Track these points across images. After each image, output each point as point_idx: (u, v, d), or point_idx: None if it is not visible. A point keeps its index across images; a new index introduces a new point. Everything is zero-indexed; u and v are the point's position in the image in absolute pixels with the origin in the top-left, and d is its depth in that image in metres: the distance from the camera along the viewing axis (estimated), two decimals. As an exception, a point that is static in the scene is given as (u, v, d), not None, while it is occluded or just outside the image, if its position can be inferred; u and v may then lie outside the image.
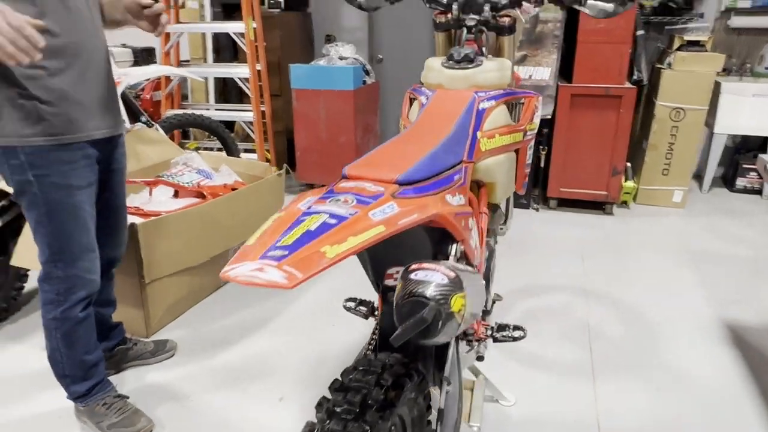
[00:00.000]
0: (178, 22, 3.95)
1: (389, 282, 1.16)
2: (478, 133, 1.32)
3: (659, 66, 3.61)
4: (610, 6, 1.43)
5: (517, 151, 1.63)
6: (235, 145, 3.64)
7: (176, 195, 2.71)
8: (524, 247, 3.11)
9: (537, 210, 3.69)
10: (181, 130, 4.00)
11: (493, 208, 1.57)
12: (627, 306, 2.46)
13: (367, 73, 3.93)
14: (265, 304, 2.50)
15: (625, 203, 3.72)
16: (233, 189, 2.77)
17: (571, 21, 3.36)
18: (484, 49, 1.58)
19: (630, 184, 3.63)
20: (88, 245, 1.46)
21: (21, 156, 1.32)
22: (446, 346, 1.19)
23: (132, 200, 2.58)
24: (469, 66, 1.43)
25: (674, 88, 3.50)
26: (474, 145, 1.28)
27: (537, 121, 1.67)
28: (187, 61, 4.44)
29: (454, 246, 0.95)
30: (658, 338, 2.21)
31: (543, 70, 3.44)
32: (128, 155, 2.84)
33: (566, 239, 3.20)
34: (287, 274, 0.52)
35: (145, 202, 2.62)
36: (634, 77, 3.72)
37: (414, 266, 0.78)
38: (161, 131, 3.15)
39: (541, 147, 3.62)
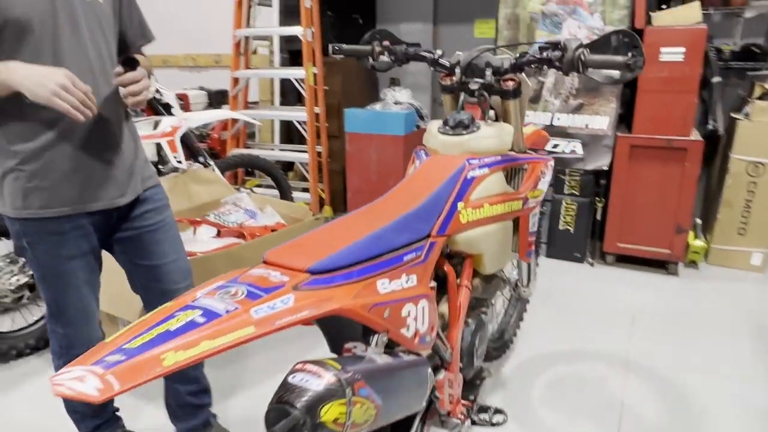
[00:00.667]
0: (247, 67, 4.21)
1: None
2: (460, 204, 1.28)
3: (735, 116, 3.31)
4: (616, 73, 1.34)
5: (517, 219, 1.55)
6: (288, 185, 3.77)
7: (219, 234, 2.85)
8: (569, 304, 2.92)
9: (592, 265, 3.47)
10: (244, 168, 4.22)
11: (488, 278, 1.49)
12: (670, 386, 2.21)
13: (422, 117, 3.94)
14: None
15: (693, 263, 3.40)
16: (273, 230, 2.86)
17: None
18: (492, 112, 1.54)
19: (699, 243, 3.31)
20: (83, 310, 1.47)
21: (16, 224, 1.37)
22: (408, 425, 1.14)
23: (176, 238, 2.74)
24: (464, 132, 1.40)
25: (752, 140, 3.19)
26: (451, 218, 1.24)
27: (543, 187, 1.59)
28: (256, 102, 4.71)
29: (375, 337, 0.91)
30: (699, 430, 1.96)
31: (601, 120, 3.28)
32: (181, 194, 3.06)
33: (618, 300, 2.97)
34: (105, 385, 0.53)
35: (189, 240, 2.77)
36: (709, 127, 3.44)
37: (297, 366, 0.75)
38: (217, 171, 3.34)
39: (597, 198, 3.42)
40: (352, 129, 3.82)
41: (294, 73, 3.92)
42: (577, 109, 3.34)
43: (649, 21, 3.05)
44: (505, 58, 1.47)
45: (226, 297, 0.70)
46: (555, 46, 1.37)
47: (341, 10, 4.55)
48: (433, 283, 1.23)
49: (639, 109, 3.13)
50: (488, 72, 1.46)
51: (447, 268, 1.26)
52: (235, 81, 4.15)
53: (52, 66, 1.22)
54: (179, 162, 3.08)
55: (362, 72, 4.75)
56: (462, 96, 1.49)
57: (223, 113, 3.66)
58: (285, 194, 3.73)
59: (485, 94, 1.48)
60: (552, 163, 1.64)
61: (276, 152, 4.31)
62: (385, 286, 0.91)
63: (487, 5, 3.44)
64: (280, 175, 3.74)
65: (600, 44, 1.35)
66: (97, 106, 1.35)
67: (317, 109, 4.00)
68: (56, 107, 1.16)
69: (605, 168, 3.31)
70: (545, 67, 1.40)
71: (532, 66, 1.43)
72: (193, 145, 3.33)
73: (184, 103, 4.29)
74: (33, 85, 1.15)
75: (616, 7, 3.11)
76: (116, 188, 1.43)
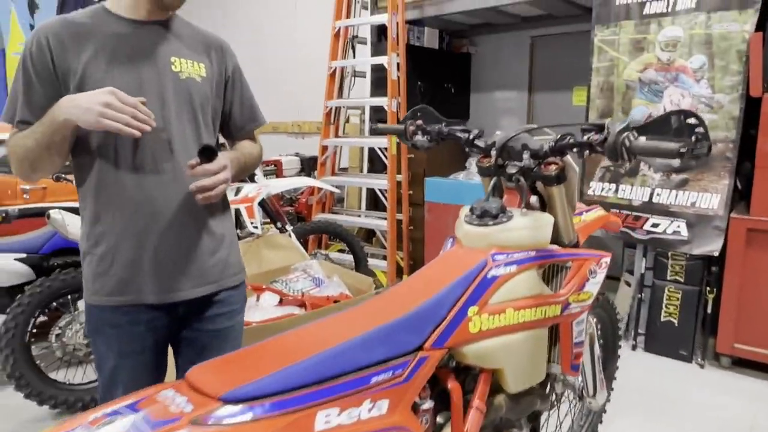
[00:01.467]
0: (336, 135, 4.34)
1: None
2: (472, 309, 1.10)
3: None
4: (675, 161, 1.11)
5: (555, 326, 1.31)
6: (363, 252, 3.73)
7: (281, 302, 2.84)
8: (669, 411, 2.46)
9: (702, 366, 2.94)
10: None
11: (516, 397, 1.25)
12: None
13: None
14: None
15: (839, 376, 2.74)
16: (335, 301, 2.79)
17: (747, 140, 2.77)
18: (533, 199, 1.35)
19: None
20: None
21: (87, 308, 1.32)
22: None
23: (240, 304, 2.78)
24: (490, 222, 1.23)
25: None
26: (456, 327, 1.06)
27: (592, 289, 1.34)
28: (345, 169, 4.82)
29: None
30: None
31: (710, 198, 2.85)
32: (253, 258, 3.13)
33: (732, 412, 2.45)
34: None
35: (251, 306, 2.79)
36: None
37: None
38: (292, 237, 3.40)
39: (707, 288, 2.93)
40: (433, 198, 3.72)
41: (378, 142, 3.95)
42: (682, 185, 2.95)
43: (767, 88, 2.65)
44: (545, 140, 1.30)
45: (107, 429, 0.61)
46: (599, 128, 1.18)
47: (433, 79, 4.58)
48: (429, 404, 1.04)
49: (757, 188, 2.68)
50: (526, 155, 1.29)
51: (452, 384, 1.07)
52: (324, 149, 4.28)
53: (133, 142, 1.20)
54: (255, 227, 3.17)
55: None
56: (492, 180, 1.33)
57: (302, 180, 3.76)
58: (360, 262, 3.68)
59: (521, 179, 1.31)
60: (607, 260, 1.39)
61: (361, 219, 4.33)
62: (329, 419, 0.76)
63: (586, 72, 3.24)
64: (356, 242, 3.71)
65: (656, 126, 1.13)
66: (171, 187, 1.25)
67: (399, 177, 3.97)
68: (107, 128, 1.09)
69: (716, 254, 2.84)
70: (587, 152, 1.20)
71: (573, 150, 1.24)
72: (272, 210, 3.43)
73: (278, 169, 4.50)
74: (81, 112, 1.09)
75: (727, 73, 2.76)
76: (188, 280, 1.30)
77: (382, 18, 3.90)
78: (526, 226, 1.24)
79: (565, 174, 1.31)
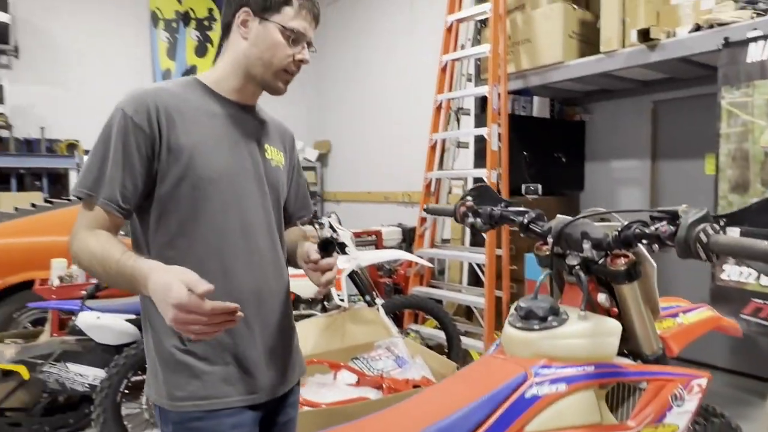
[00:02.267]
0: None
1: None
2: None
3: None
4: None
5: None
6: (456, 331, 3.49)
7: (357, 382, 2.71)
8: None
9: None
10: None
11: None
12: None
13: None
14: None
15: None
16: (415, 386, 2.60)
17: None
18: (601, 298, 1.13)
19: None
20: None
21: (169, 425, 1.14)
22: None
23: (316, 378, 2.70)
24: (536, 326, 1.03)
25: None
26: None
27: (677, 421, 1.04)
28: (447, 240, 4.68)
29: None
30: None
31: None
32: (336, 333, 3.06)
33: None
34: None
35: (327, 384, 2.69)
36: None
37: None
38: (381, 312, 3.29)
39: None
40: (532, 276, 3.41)
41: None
42: None
43: None
44: (611, 228, 1.07)
45: None
46: (672, 216, 0.94)
47: (541, 149, 4.36)
48: None
49: None
50: (586, 245, 1.07)
51: None
52: (423, 220, 4.20)
53: (240, 220, 1.15)
54: (341, 300, 3.13)
55: (564, 212, 4.36)
56: (543, 273, 1.13)
57: (393, 253, 3.68)
58: (452, 341, 3.45)
59: (582, 274, 1.08)
60: (702, 382, 1.08)
61: (460, 294, 4.12)
62: None
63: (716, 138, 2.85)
64: (448, 320, 3.50)
65: (750, 214, 0.88)
66: (272, 278, 1.22)
67: (499, 252, 3.73)
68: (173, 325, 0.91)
69: None
70: (657, 246, 0.96)
71: (641, 242, 1.00)
72: (362, 282, 3.38)
73: (377, 240, 4.50)
74: (158, 303, 0.93)
75: None
76: (280, 374, 1.24)
77: (482, 90, 3.83)
78: (583, 334, 1.01)
79: (639, 270, 1.07)
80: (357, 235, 4.56)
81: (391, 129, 6.47)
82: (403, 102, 6.24)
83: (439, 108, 4.15)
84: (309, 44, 1.22)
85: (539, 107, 4.68)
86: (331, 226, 3.33)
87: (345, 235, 3.38)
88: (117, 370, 2.56)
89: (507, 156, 3.79)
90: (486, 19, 3.88)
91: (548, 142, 4.46)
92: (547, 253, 1.18)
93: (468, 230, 4.52)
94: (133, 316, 3.02)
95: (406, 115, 6.16)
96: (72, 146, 6.55)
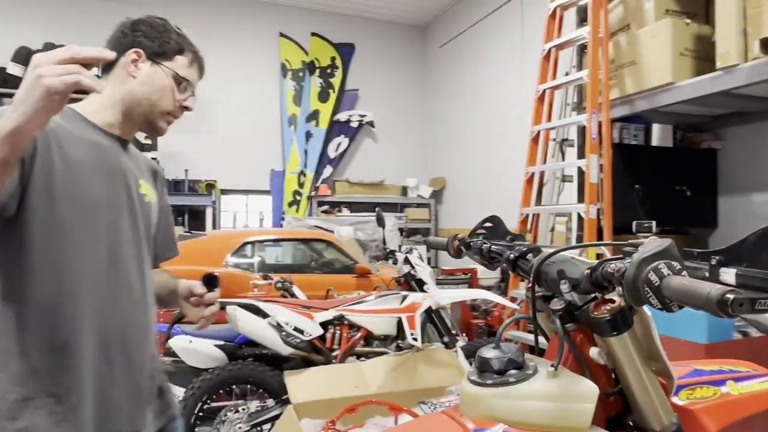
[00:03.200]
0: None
1: None
2: None
3: None
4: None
5: None
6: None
7: (419, 428, 2.54)
8: None
9: None
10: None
11: None
12: None
13: (748, 321, 2.76)
14: None
15: None
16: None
17: None
18: (594, 353, 0.94)
19: None
20: None
21: None
22: None
23: (375, 420, 2.59)
24: (489, 381, 0.87)
25: None
26: None
27: None
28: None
29: None
30: None
31: None
32: (406, 373, 2.94)
33: None
34: None
35: (384, 426, 2.57)
36: None
37: None
38: (459, 355, 3.10)
39: None
40: (637, 326, 2.97)
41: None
42: None
43: None
44: (589, 265, 0.87)
45: None
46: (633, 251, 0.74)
47: (658, 181, 3.86)
48: None
49: None
50: (564, 286, 0.89)
51: None
52: (517, 258, 3.93)
53: (111, 252, 1.14)
54: (414, 339, 3.01)
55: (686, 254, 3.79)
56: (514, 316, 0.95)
57: (474, 293, 3.46)
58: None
59: (557, 321, 0.89)
60: None
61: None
62: None
63: None
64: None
65: (747, 250, 0.66)
66: (139, 313, 1.20)
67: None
68: (61, 88, 0.81)
69: None
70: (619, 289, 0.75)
71: (606, 285, 0.79)
72: (440, 322, 3.23)
73: (472, 278, 4.30)
74: (25, 98, 0.81)
75: None
76: (142, 415, 1.19)
77: (581, 118, 3.54)
78: (548, 395, 0.83)
79: (628, 318, 0.86)
80: (450, 272, 4.41)
81: (501, 163, 6.26)
82: (513, 135, 6.02)
83: (536, 139, 3.91)
84: (192, 92, 1.28)
85: (660, 135, 4.19)
86: (408, 262, 3.26)
87: (424, 271, 3.28)
88: (192, 393, 2.71)
89: (610, 189, 3.42)
90: (586, 44, 3.61)
91: (668, 174, 3.94)
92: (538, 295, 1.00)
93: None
94: (222, 342, 3.20)
95: (515, 149, 5.93)
96: (210, 186, 7.35)
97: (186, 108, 1.27)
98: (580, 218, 3.92)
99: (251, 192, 7.78)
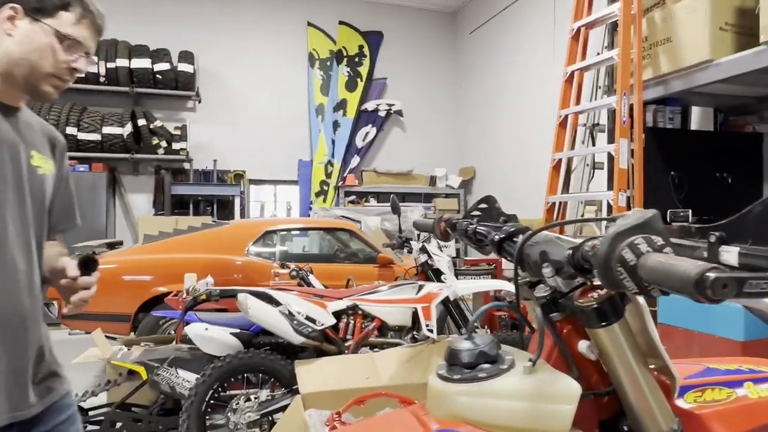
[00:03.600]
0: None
1: None
2: None
3: None
4: None
5: None
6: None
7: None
8: None
9: None
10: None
11: None
12: None
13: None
14: None
15: None
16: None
17: None
18: (582, 347, 0.83)
19: None
20: None
21: None
22: None
23: (385, 412, 2.51)
24: (456, 376, 0.78)
25: None
26: None
27: None
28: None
29: None
30: None
31: None
32: (419, 365, 2.84)
33: None
34: None
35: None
36: None
37: None
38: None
39: None
40: (668, 320, 2.79)
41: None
42: None
43: None
44: (572, 245, 0.76)
45: None
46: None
47: (696, 167, 3.62)
48: None
49: None
50: (547, 270, 0.78)
51: None
52: (543, 249, 3.76)
53: None
54: (430, 330, 2.91)
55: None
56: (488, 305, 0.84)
57: (495, 284, 3.32)
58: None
59: (538, 311, 0.79)
60: None
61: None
62: None
63: None
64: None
65: (752, 223, 0.54)
66: (24, 293, 1.14)
67: (630, 289, 3.15)
68: None
69: None
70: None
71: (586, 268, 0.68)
72: (458, 313, 3.12)
73: (496, 269, 4.16)
74: None
75: None
76: (26, 398, 1.15)
77: (610, 101, 3.34)
78: (521, 393, 0.73)
79: (618, 307, 0.74)
80: (473, 263, 4.28)
81: (532, 152, 6.05)
82: (545, 123, 5.80)
83: (563, 124, 3.72)
84: (88, 54, 1.15)
85: (700, 118, 3.94)
86: (426, 251, 3.15)
87: (441, 261, 3.17)
88: (204, 380, 2.70)
89: (641, 176, 3.22)
90: (617, 22, 3.40)
91: (708, 160, 3.69)
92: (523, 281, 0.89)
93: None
94: (238, 331, 3.18)
95: (547, 137, 5.71)
96: (239, 176, 7.41)
97: (75, 70, 1.15)
98: (609, 207, 3.72)
99: (279, 182, 7.80)
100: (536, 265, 0.81)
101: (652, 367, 0.81)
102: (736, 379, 0.87)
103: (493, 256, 3.63)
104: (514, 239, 0.95)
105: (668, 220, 3.41)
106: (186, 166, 6.93)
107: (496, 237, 0.96)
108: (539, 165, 5.81)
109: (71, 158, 6.20)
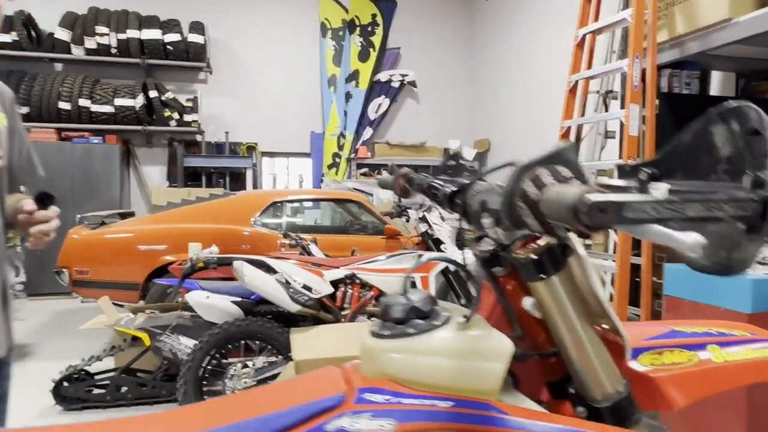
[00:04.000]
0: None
1: None
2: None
3: None
4: (690, 242, 0.43)
5: None
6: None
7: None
8: None
9: None
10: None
11: None
12: None
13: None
14: None
15: None
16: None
17: None
18: (527, 304, 0.78)
19: None
20: None
21: None
22: None
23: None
24: (385, 333, 0.73)
25: None
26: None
27: None
28: (589, 245, 4.02)
29: None
30: None
31: None
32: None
33: None
34: None
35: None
36: None
37: None
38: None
39: None
40: (673, 292, 2.70)
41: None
42: None
43: None
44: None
45: None
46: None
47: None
48: None
49: None
50: (486, 221, 0.72)
51: None
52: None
53: None
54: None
55: None
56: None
57: None
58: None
59: (478, 264, 0.73)
60: None
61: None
62: None
63: None
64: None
65: (678, 159, 0.48)
66: None
67: (638, 260, 3.06)
68: None
69: None
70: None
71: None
72: (458, 283, 3.07)
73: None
74: None
75: None
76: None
77: (622, 64, 3.18)
78: (449, 350, 0.68)
79: (558, 259, 0.68)
80: (479, 234, 4.19)
81: (548, 123, 5.87)
82: (561, 94, 5.62)
83: (573, 90, 3.58)
84: None
85: (720, 84, 3.75)
86: (425, 220, 3.09)
87: (442, 231, 3.11)
88: (201, 347, 2.72)
89: (653, 143, 3.09)
90: (632, -20, 3.22)
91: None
92: (471, 236, 0.83)
93: (613, 234, 3.82)
94: (239, 299, 3.19)
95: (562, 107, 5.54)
96: (251, 148, 7.40)
97: None
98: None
99: (292, 155, 7.77)
100: (476, 214, 0.75)
101: (606, 327, 0.76)
102: (701, 342, 0.81)
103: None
104: (463, 191, 0.89)
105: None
106: (198, 138, 6.94)
107: (448, 190, 0.90)
108: (556, 136, 5.66)
109: (85, 130, 6.29)
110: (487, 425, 0.63)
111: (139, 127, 6.48)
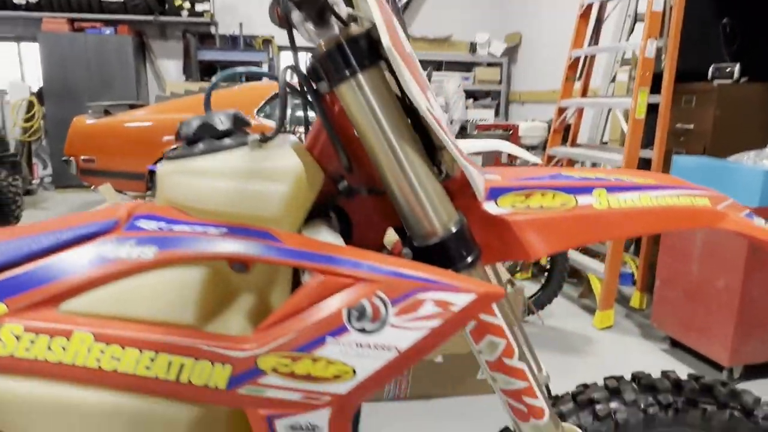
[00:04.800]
0: (584, 95, 3.38)
1: None
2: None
3: None
4: None
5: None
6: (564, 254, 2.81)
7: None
8: None
9: None
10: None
11: None
12: None
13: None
14: None
15: None
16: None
17: None
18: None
19: None
20: None
21: None
22: None
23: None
24: (171, 155, 0.62)
25: None
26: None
27: (352, 360, 0.53)
28: (605, 143, 3.75)
29: None
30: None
31: None
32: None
33: None
34: None
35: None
36: None
37: None
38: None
39: None
40: (678, 186, 2.47)
41: (617, 102, 2.87)
42: None
43: None
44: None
45: None
46: None
47: (758, 14, 3.01)
48: None
49: None
50: (295, 15, 0.56)
51: None
52: (560, 111, 3.39)
53: None
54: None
55: (759, 105, 3.03)
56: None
57: (490, 143, 3.03)
58: (556, 265, 2.78)
59: (292, 74, 0.59)
60: (460, 299, 0.49)
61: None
62: None
63: None
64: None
65: None
66: None
67: (649, 153, 2.81)
68: None
69: None
70: None
71: None
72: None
73: (512, 134, 3.84)
74: None
75: None
76: None
77: (652, -76, 2.72)
78: (229, 172, 0.56)
79: (363, 53, 0.54)
80: (486, 128, 3.96)
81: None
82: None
83: (597, -39, 3.13)
84: None
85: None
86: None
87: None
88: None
89: (680, 21, 2.70)
90: None
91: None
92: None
93: (624, 124, 3.52)
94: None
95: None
96: (267, 42, 7.10)
97: None
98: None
99: (309, 49, 7.43)
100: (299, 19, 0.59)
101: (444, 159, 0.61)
102: (585, 185, 0.65)
103: (514, 121, 3.22)
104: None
105: (709, 77, 2.92)
106: (212, 30, 6.68)
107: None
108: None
109: (96, 20, 6.13)
110: (257, 254, 0.52)
111: (150, 17, 6.26)
